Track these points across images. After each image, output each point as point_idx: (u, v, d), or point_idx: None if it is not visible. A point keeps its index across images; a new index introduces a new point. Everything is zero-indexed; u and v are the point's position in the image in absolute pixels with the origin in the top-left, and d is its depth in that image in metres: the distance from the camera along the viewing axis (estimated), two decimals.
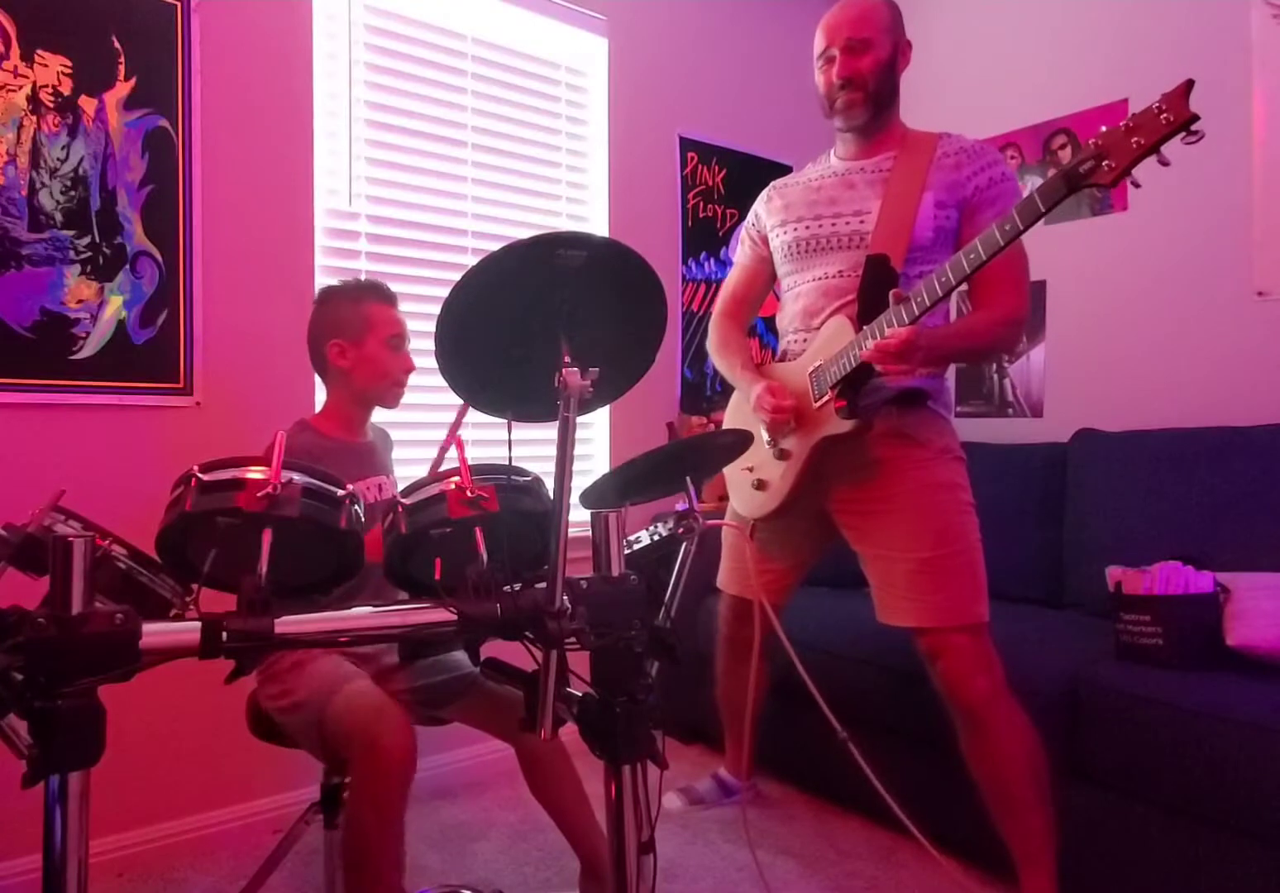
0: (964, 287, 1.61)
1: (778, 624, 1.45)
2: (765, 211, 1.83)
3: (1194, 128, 1.14)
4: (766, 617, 1.71)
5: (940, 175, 1.60)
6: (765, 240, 1.84)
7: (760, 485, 1.74)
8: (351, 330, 1.51)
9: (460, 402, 1.21)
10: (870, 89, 1.62)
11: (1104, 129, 1.20)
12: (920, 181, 1.60)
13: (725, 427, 1.89)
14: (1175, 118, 1.13)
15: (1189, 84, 1.14)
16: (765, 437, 1.71)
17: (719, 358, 1.89)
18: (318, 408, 2.02)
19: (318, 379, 2.01)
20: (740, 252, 1.93)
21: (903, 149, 1.65)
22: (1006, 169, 1.63)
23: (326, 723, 1.26)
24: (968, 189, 1.60)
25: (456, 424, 1.47)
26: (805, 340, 1.70)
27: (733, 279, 1.94)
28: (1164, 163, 1.17)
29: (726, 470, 1.86)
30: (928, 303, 1.40)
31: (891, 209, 1.61)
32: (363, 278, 2.06)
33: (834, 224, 1.68)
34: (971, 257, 1.35)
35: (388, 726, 1.21)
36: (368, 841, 1.22)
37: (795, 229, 1.73)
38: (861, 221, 1.64)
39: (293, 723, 1.35)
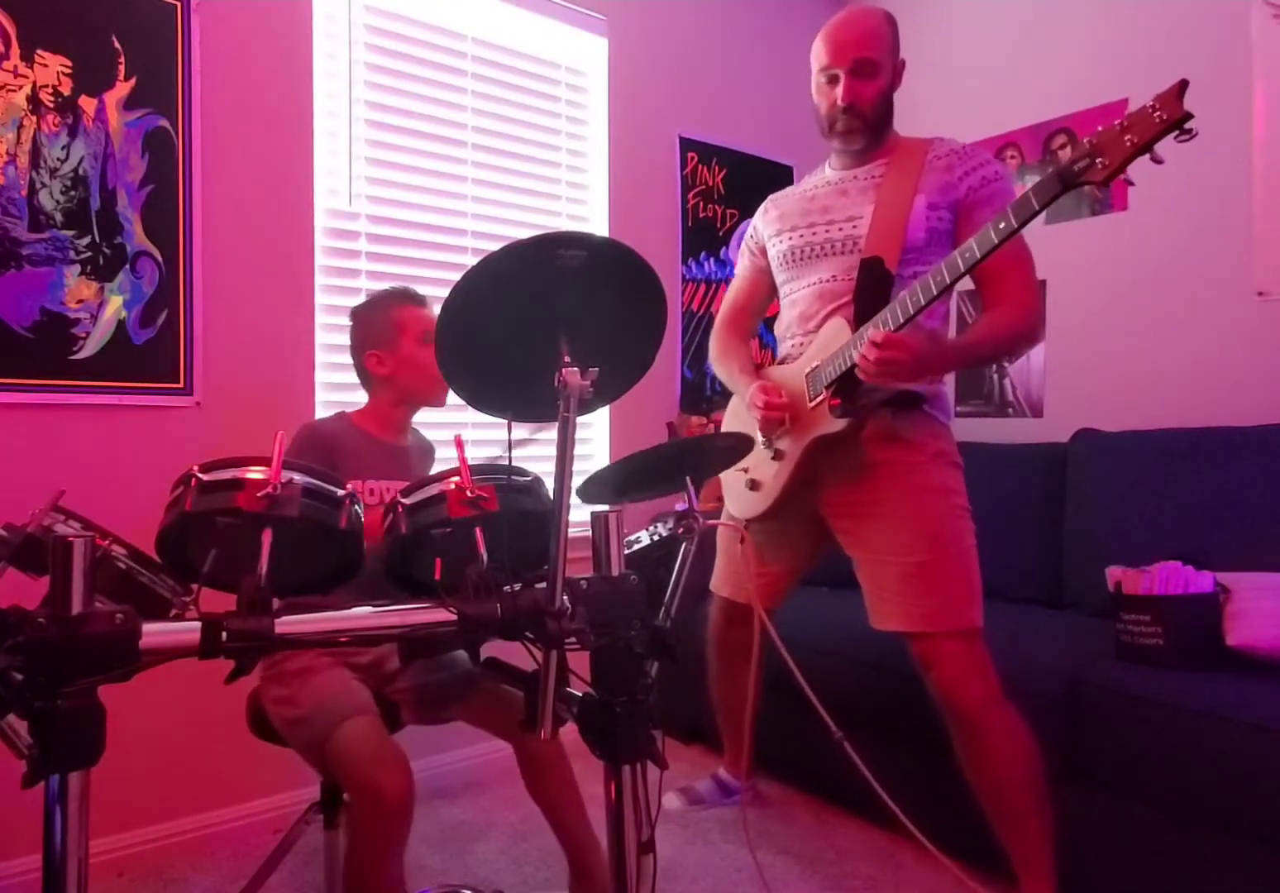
0: (971, 286, 1.62)
1: (773, 630, 1.44)
2: (763, 223, 1.85)
3: (1188, 126, 1.13)
4: (740, 624, 1.71)
5: (931, 178, 1.61)
6: (764, 252, 1.85)
7: (754, 486, 1.75)
8: (384, 338, 1.54)
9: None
10: (870, 118, 1.63)
11: (1100, 128, 1.20)
12: (912, 185, 1.60)
13: (724, 430, 1.90)
14: (1168, 116, 1.13)
15: (1183, 84, 1.14)
16: (759, 437, 1.71)
17: (719, 365, 1.90)
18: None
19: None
20: (740, 264, 1.95)
21: (895, 156, 1.67)
22: (999, 168, 1.63)
23: (328, 754, 1.26)
24: (960, 190, 1.60)
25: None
26: (802, 344, 1.71)
27: (733, 290, 1.95)
28: (1157, 161, 1.17)
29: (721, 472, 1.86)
30: (910, 310, 1.40)
31: (884, 213, 1.61)
32: (361, 278, 2.07)
33: (827, 230, 1.68)
34: (967, 255, 1.34)
35: (388, 770, 1.21)
36: (368, 877, 1.24)
37: (790, 238, 1.74)
38: (854, 226, 1.65)
39: (291, 735, 1.35)
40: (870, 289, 1.59)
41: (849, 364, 1.51)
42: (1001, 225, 1.29)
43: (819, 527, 1.73)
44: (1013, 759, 1.50)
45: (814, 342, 1.66)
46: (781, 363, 1.78)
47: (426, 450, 1.69)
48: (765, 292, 1.90)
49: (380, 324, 1.55)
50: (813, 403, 1.61)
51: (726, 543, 1.95)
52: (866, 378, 1.48)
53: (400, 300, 1.58)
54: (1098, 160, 1.19)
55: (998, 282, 1.57)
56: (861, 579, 1.65)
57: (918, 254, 1.60)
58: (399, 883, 1.28)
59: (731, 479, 1.83)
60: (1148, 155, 1.17)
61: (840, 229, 1.66)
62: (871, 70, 1.60)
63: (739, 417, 1.83)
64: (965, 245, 1.35)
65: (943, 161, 1.62)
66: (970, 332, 1.61)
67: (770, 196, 1.88)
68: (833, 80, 1.63)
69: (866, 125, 1.64)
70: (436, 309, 1.57)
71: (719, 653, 2.00)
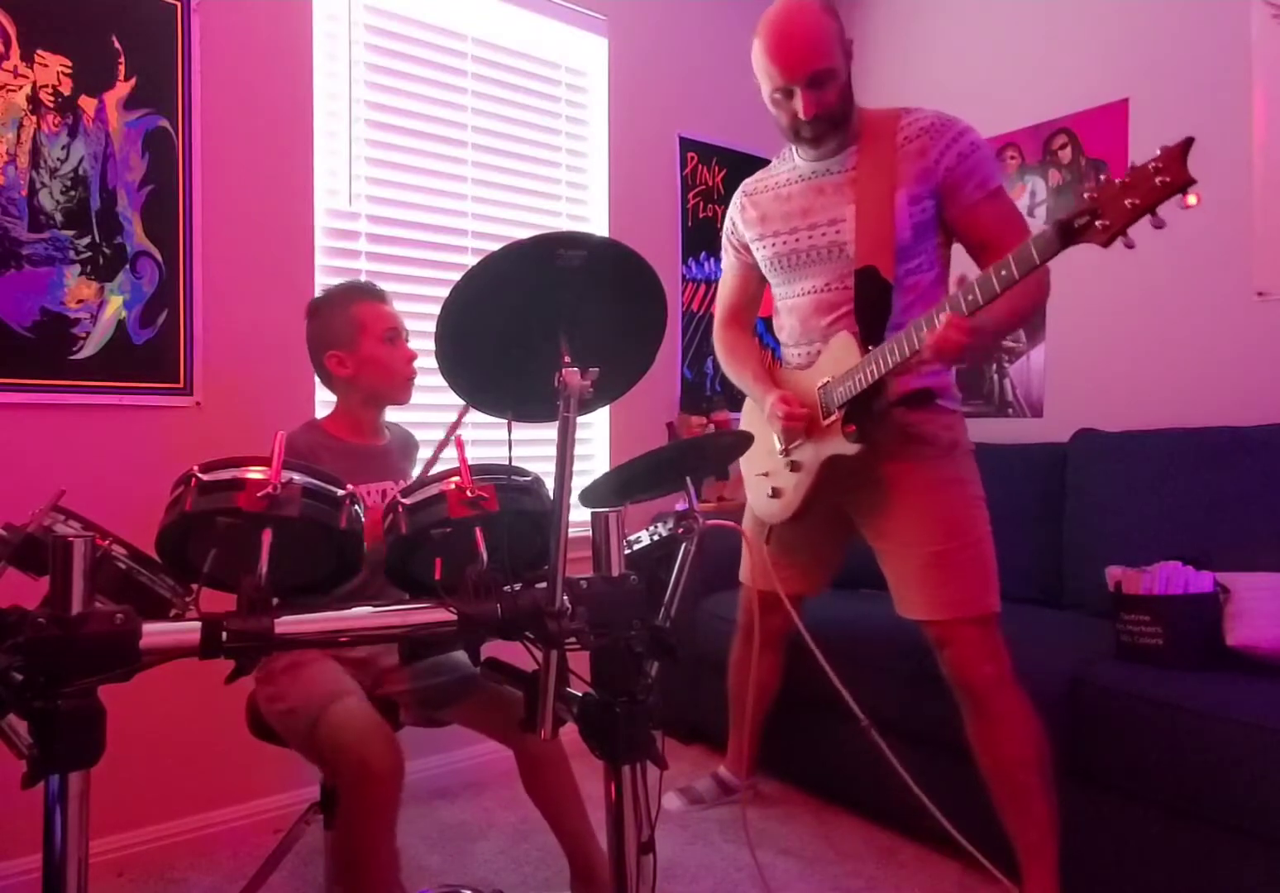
0: (965, 253, 1.63)
1: (798, 618, 1.46)
2: (741, 221, 1.82)
3: (1190, 191, 1.09)
4: (768, 614, 1.72)
5: (908, 166, 1.57)
6: (747, 248, 1.83)
7: (775, 493, 1.76)
8: (344, 337, 1.49)
9: (460, 403, 1.21)
10: (837, 116, 1.58)
11: (1102, 178, 1.18)
12: (889, 178, 1.57)
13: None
14: (1172, 180, 1.10)
15: (1188, 143, 1.09)
16: (778, 445, 1.72)
17: (729, 366, 1.90)
18: (318, 407, 2.02)
19: (317, 378, 2.02)
20: (725, 260, 1.93)
21: (865, 138, 1.62)
22: (974, 138, 1.57)
23: (317, 738, 1.25)
24: (938, 173, 1.56)
25: (455, 425, 1.46)
26: (809, 355, 1.71)
27: (725, 288, 1.94)
28: (1158, 226, 1.13)
29: (745, 471, 1.87)
30: (916, 345, 1.40)
31: (867, 214, 1.59)
32: (362, 278, 2.07)
33: (810, 236, 1.67)
34: (969, 299, 1.33)
35: (376, 746, 1.21)
36: (359, 854, 1.23)
37: (774, 244, 1.73)
38: (838, 231, 1.63)
39: (285, 730, 1.35)
40: (870, 302, 1.59)
41: (860, 388, 1.52)
42: (1003, 273, 1.28)
43: (840, 519, 1.75)
44: (1021, 739, 1.52)
45: (822, 354, 1.66)
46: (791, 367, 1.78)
47: (408, 444, 1.66)
48: (756, 285, 1.89)
49: (340, 322, 1.49)
50: (826, 421, 1.62)
51: (750, 534, 1.95)
52: (927, 358, 1.42)
53: (360, 297, 1.51)
54: (1098, 221, 1.17)
55: (998, 251, 1.45)
56: (885, 570, 1.68)
57: (908, 250, 1.60)
58: (390, 866, 1.26)
59: (754, 482, 1.84)
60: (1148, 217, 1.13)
61: (824, 234, 1.65)
62: (829, 76, 1.53)
63: (754, 421, 1.82)
64: (967, 286, 1.33)
65: (915, 144, 1.57)
66: (992, 313, 1.47)
67: (743, 188, 1.84)
68: (788, 94, 1.56)
69: (834, 124, 1.59)
70: (405, 309, 1.58)
71: (744, 641, 2.01)
